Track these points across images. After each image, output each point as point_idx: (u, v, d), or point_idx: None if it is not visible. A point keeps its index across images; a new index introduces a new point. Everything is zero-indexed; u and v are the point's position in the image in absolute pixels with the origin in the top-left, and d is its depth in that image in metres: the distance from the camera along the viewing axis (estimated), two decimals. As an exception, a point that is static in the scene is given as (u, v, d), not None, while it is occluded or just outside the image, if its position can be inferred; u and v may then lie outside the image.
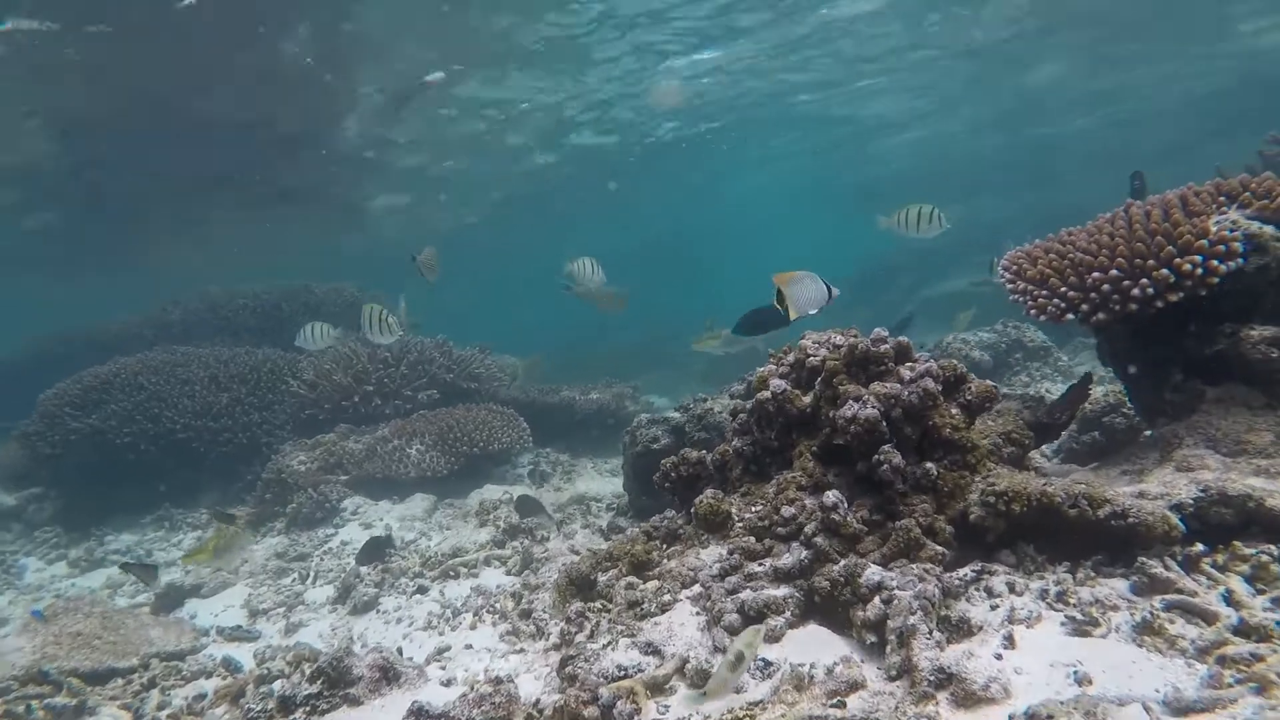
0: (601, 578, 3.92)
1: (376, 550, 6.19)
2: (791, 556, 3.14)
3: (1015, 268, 4.19)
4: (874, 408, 3.16)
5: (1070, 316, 3.81)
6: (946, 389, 3.40)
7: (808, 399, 3.58)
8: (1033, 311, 3.96)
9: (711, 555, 3.44)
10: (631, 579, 3.70)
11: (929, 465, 3.21)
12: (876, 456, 3.14)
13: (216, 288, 13.54)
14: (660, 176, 24.38)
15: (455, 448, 8.61)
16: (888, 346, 3.41)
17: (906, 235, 5.63)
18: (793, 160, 24.85)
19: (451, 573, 5.91)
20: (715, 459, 3.96)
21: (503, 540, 6.33)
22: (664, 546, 3.95)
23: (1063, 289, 3.83)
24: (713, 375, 17.69)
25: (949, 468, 3.27)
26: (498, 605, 4.78)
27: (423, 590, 5.60)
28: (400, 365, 9.85)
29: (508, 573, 5.77)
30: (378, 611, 5.46)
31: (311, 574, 6.37)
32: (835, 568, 3.01)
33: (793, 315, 4.02)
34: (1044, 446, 5.21)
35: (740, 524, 3.46)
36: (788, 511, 3.27)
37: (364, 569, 6.06)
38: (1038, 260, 4.09)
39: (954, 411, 3.32)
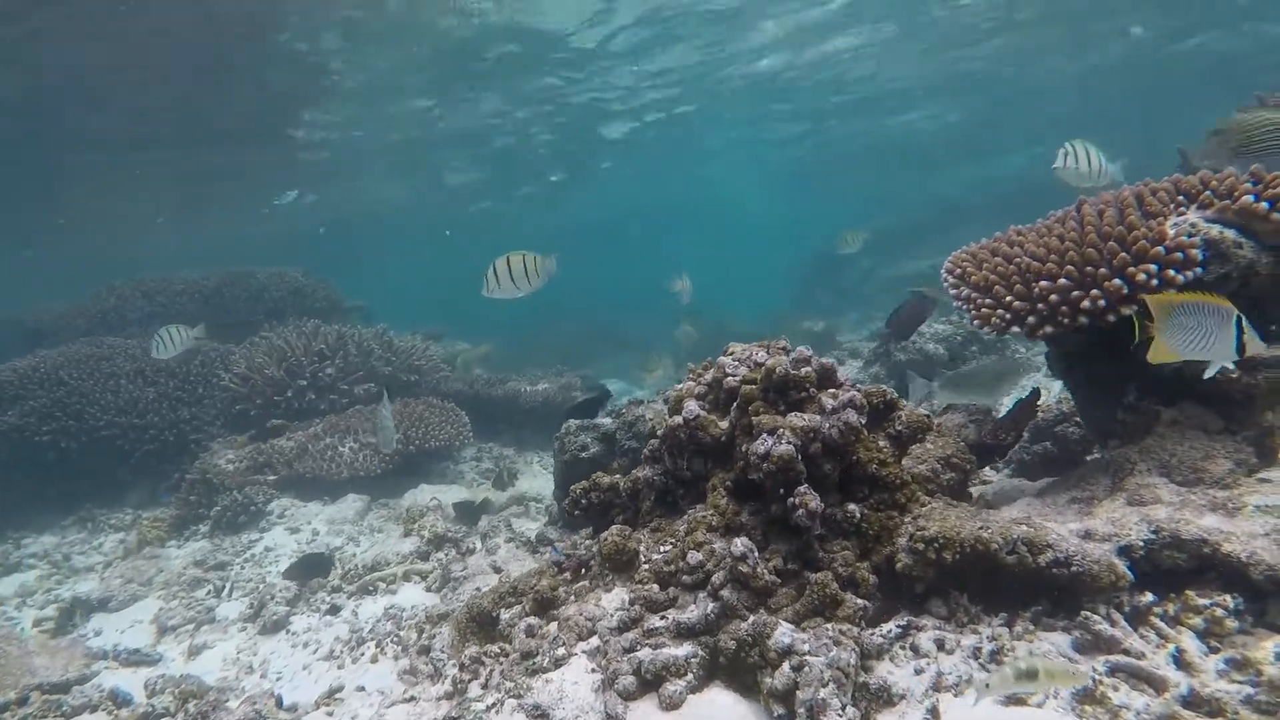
0: (504, 615, 3.57)
1: (311, 569, 5.77)
2: (697, 610, 2.79)
3: (959, 271, 3.84)
4: (789, 443, 2.80)
5: (1016, 329, 3.47)
6: (875, 417, 3.06)
7: (724, 424, 3.22)
8: (976, 322, 3.61)
9: (613, 602, 3.08)
10: (532, 621, 3.35)
11: (851, 507, 2.86)
12: (791, 500, 2.78)
13: (153, 275, 12.97)
14: (628, 157, 23.92)
15: (391, 445, 8.21)
16: (810, 369, 3.05)
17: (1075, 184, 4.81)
18: (758, 139, 24.41)
19: (370, 588, 5.54)
20: (628, 486, 3.60)
21: (427, 552, 5.96)
22: (574, 579, 3.60)
23: (1008, 298, 3.48)
24: (680, 360, 17.38)
25: (875, 507, 2.93)
26: (403, 635, 4.43)
27: (335, 610, 5.22)
28: (336, 358, 9.40)
29: (428, 589, 5.41)
30: (287, 632, 5.08)
31: (228, 586, 5.97)
32: (743, 625, 2.66)
33: (1162, 356, 2.77)
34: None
35: (647, 566, 3.10)
36: (694, 558, 2.91)
37: (280, 582, 5.68)
38: (983, 264, 3.74)
39: (882, 444, 2.97)
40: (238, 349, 9.89)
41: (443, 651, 3.72)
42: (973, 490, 4.46)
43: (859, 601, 2.73)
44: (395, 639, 4.42)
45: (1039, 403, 3.89)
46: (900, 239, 20.23)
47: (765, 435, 2.86)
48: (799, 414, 2.87)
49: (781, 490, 2.85)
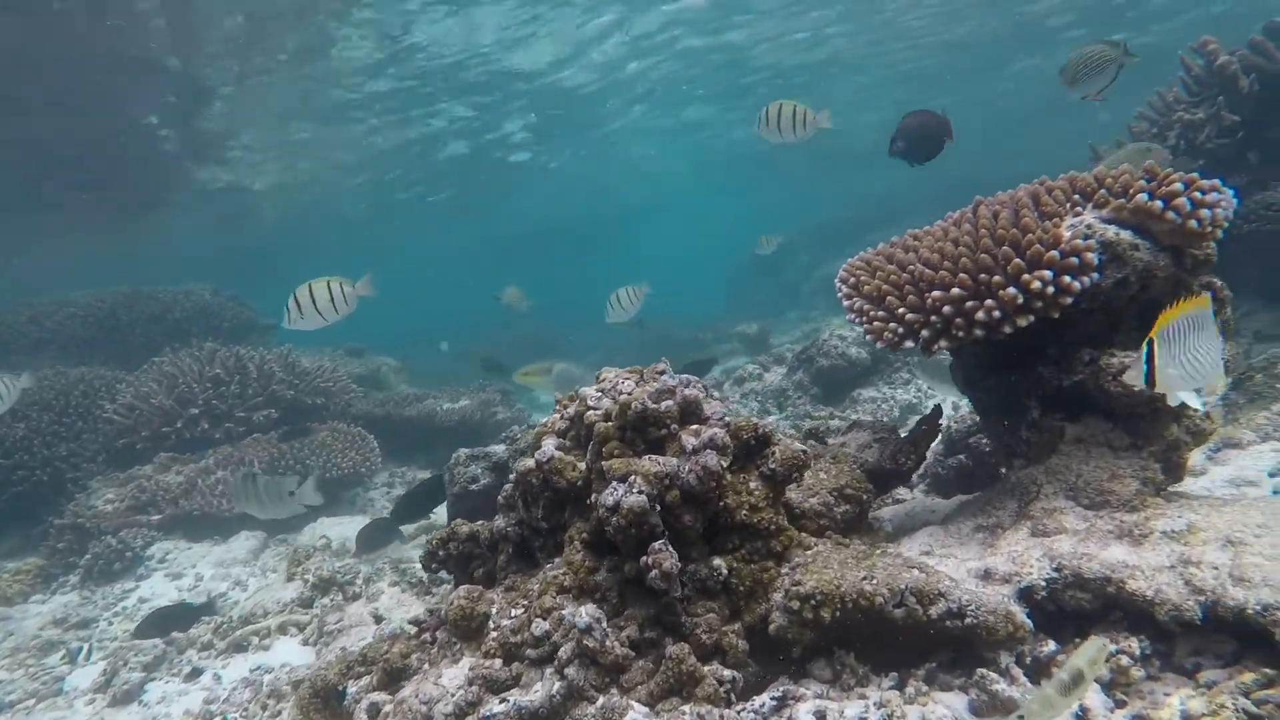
0: (351, 689, 3.15)
1: (165, 625, 5.21)
2: (542, 691, 2.41)
3: (853, 280, 3.51)
4: (641, 492, 2.43)
5: (910, 343, 3.15)
6: (746, 454, 2.70)
7: (583, 467, 2.84)
8: (869, 336, 3.29)
9: (455, 679, 2.68)
10: (375, 698, 2.92)
11: (717, 562, 2.50)
12: (644, 559, 2.42)
13: (44, 298, 12.20)
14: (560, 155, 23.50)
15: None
16: (671, 404, 2.69)
17: (779, 140, 4.51)
18: (700, 136, 24.10)
19: (243, 643, 5.05)
20: (487, 536, 3.20)
21: (310, 598, 5.46)
22: (434, 643, 3.19)
23: (900, 309, 3.16)
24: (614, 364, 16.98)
25: (747, 559, 2.57)
26: (250, 709, 3.96)
27: (196, 674, 4.72)
28: (232, 383, 8.83)
29: (304, 642, 4.94)
30: (140, 703, 4.56)
31: (86, 648, 5.41)
32: (590, 710, 2.29)
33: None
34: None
35: (494, 635, 2.71)
36: (540, 627, 2.53)
37: (143, 642, 5.13)
38: (877, 272, 3.42)
39: (753, 486, 2.61)
40: (128, 377, 9.26)
41: (283, 734, 3.29)
42: (884, 512, 4.16)
43: (725, 674, 2.37)
44: (244, 713, 3.96)
45: (942, 420, 3.58)
46: (841, 235, 20.16)
47: (615, 483, 2.49)
48: (654, 457, 2.51)
49: (636, 546, 2.48)
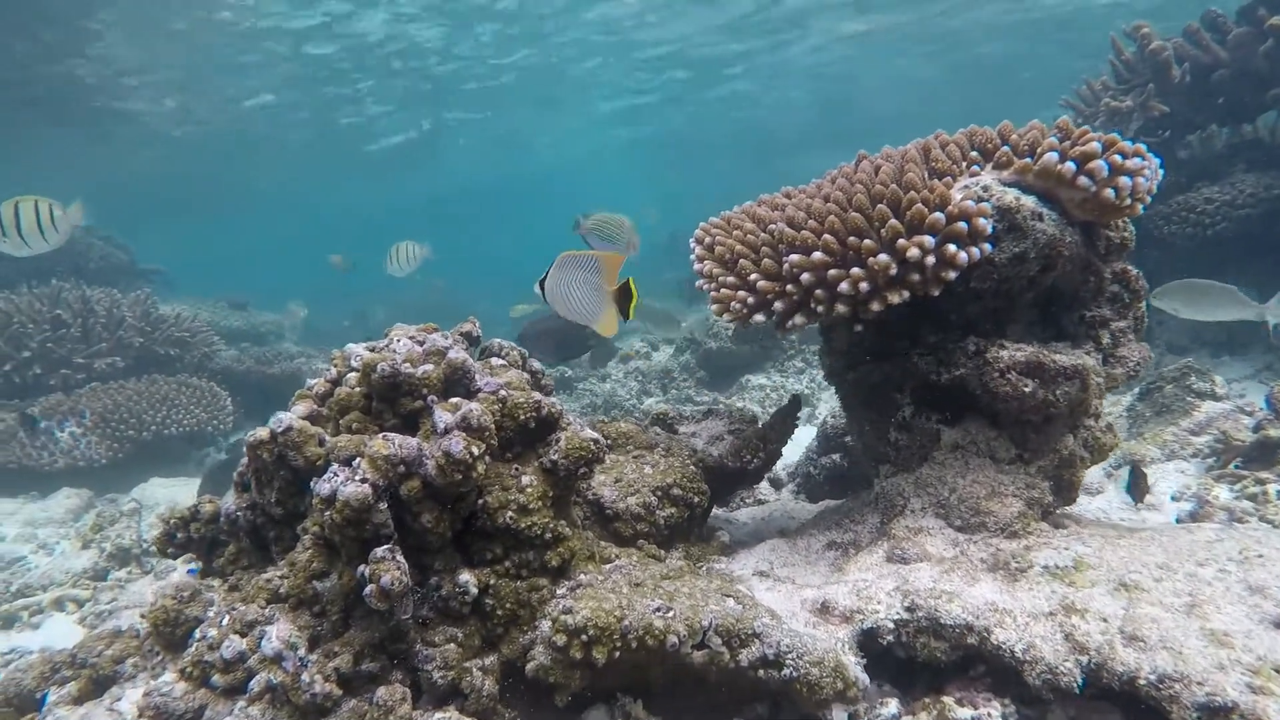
0: (52, 696, 2.50)
1: None
2: (217, 736, 1.80)
3: (708, 240, 2.93)
4: (365, 481, 1.82)
5: (760, 317, 2.59)
6: (526, 441, 2.10)
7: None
8: (714, 306, 2.72)
9: (134, 707, 2.06)
10: (62, 715, 2.30)
11: (465, 577, 1.90)
12: (362, 569, 1.81)
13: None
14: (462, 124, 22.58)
15: (120, 430, 6.89)
16: (431, 369, 2.07)
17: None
18: (617, 113, 23.36)
19: (13, 618, 4.33)
20: (227, 520, 2.56)
21: (104, 570, 4.75)
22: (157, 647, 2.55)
23: (753, 276, 2.59)
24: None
25: (512, 573, 1.98)
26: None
27: (-69, 659, 3.99)
28: (74, 327, 7.93)
29: (81, 621, 4.24)
30: None
31: None
32: (266, 772, 1.68)
33: None
34: (781, 471, 4.11)
35: (193, 650, 2.08)
36: (233, 648, 1.91)
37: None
38: (735, 230, 2.84)
39: (526, 481, 2.01)
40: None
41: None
42: (742, 514, 3.63)
43: (462, 725, 1.78)
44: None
45: (800, 412, 3.04)
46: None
47: (337, 467, 1.87)
48: (389, 436, 1.89)
49: (359, 550, 1.87)
